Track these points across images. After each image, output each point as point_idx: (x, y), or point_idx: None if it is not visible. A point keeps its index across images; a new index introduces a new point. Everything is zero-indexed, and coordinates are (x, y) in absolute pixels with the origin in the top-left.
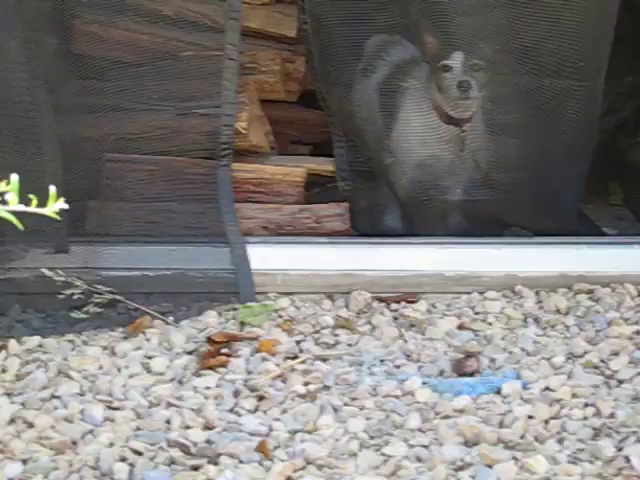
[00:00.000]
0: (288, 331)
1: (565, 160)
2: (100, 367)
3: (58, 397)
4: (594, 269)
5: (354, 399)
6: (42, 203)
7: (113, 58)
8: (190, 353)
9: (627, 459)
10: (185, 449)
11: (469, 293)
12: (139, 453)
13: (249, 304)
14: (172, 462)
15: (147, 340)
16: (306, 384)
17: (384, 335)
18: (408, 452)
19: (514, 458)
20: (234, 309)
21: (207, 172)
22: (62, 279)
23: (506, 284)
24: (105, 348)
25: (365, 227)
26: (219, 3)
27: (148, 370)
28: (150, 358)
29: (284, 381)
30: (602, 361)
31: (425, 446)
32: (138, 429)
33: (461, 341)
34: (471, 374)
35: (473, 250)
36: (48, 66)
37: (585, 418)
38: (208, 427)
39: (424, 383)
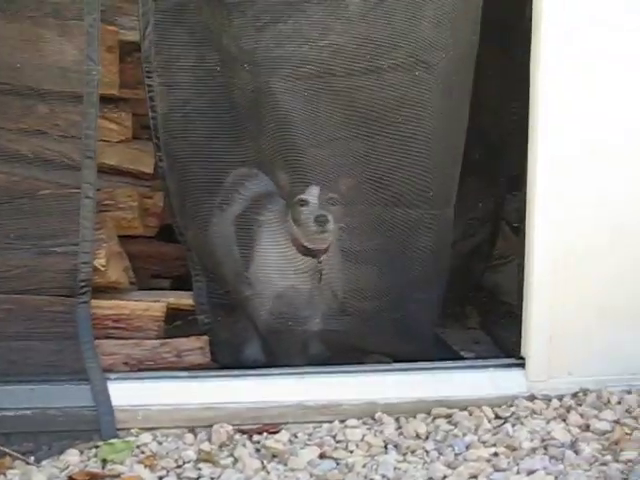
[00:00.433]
0: (150, 467)
1: (419, 287)
2: None
3: None
4: (451, 393)
5: None
6: None
7: None
8: None
9: None
10: None
11: (330, 422)
12: None
13: (111, 441)
14: None
15: None
16: None
17: (246, 467)
18: None
19: None
20: (96, 446)
21: (66, 310)
22: None
23: (366, 411)
24: None
25: (226, 359)
26: (75, 141)
27: None
28: None
29: None
30: None
31: None
32: None
33: (323, 470)
34: None
35: (332, 379)
36: None
37: None
38: None
39: None
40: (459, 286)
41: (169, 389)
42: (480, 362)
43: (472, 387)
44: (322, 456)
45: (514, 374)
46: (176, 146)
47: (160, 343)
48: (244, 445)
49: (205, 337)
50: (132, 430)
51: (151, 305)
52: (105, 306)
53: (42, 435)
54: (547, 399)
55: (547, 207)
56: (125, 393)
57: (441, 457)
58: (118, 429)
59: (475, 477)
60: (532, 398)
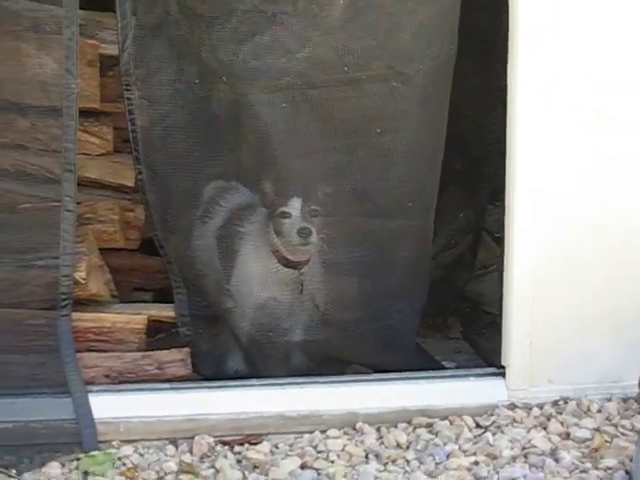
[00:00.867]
0: (132, 478)
1: (400, 297)
2: None
3: None
4: (432, 403)
5: None
6: None
7: None
8: None
9: None
10: None
11: (311, 432)
12: None
13: (92, 453)
14: None
15: None
16: None
17: (227, 478)
18: None
19: None
20: (77, 459)
21: (47, 323)
22: None
23: (347, 421)
24: None
25: (208, 371)
26: (56, 155)
27: None
28: None
29: None
30: None
31: None
32: None
33: None
34: None
35: (313, 389)
36: None
37: None
38: None
39: None
40: (441, 296)
41: (150, 401)
42: (461, 372)
43: (453, 396)
44: (303, 466)
45: (495, 383)
46: (156, 159)
47: (142, 355)
48: (225, 456)
49: (186, 349)
50: (113, 442)
51: (132, 318)
52: (86, 319)
53: (23, 448)
54: (528, 407)
55: (526, 218)
56: (106, 406)
57: (422, 466)
58: (99, 441)
59: None
60: (513, 407)
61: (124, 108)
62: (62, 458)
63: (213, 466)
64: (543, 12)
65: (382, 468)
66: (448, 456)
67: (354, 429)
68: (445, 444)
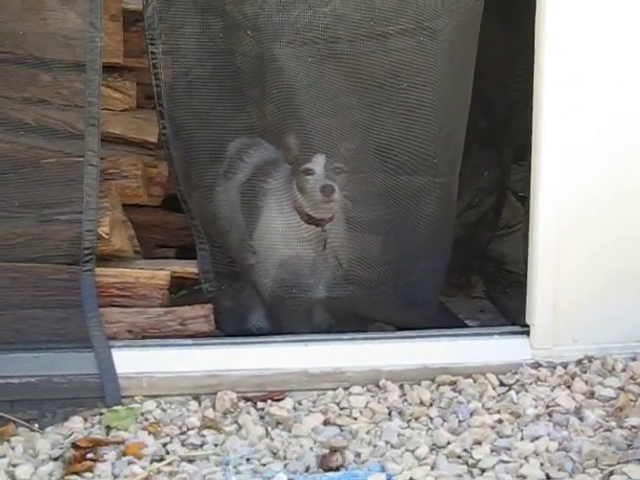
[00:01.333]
0: (154, 434)
1: (424, 255)
2: None
3: None
4: (456, 361)
5: None
6: None
7: None
8: (55, 459)
9: None
10: None
11: (334, 389)
12: None
13: (115, 408)
14: None
15: (12, 448)
16: None
17: (250, 434)
18: None
19: None
20: (100, 414)
21: (70, 278)
22: None
23: (370, 379)
24: None
25: (231, 327)
26: (79, 110)
27: (13, 478)
28: (15, 466)
29: None
30: (465, 450)
31: None
32: None
33: (327, 437)
34: (336, 469)
35: (336, 346)
36: None
37: None
38: None
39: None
40: (465, 255)
41: (173, 357)
42: (485, 330)
43: (477, 354)
44: (326, 423)
45: (519, 342)
46: (179, 114)
47: (164, 311)
48: (248, 412)
49: (209, 305)
50: (136, 397)
51: (156, 273)
52: (109, 274)
53: (46, 402)
54: (552, 366)
55: (551, 177)
56: (129, 361)
57: (445, 424)
58: (122, 396)
59: (479, 443)
60: (537, 365)
61: (148, 62)
62: (85, 413)
63: (236, 422)
64: None
65: (405, 425)
66: (471, 414)
67: (377, 386)
68: (469, 402)
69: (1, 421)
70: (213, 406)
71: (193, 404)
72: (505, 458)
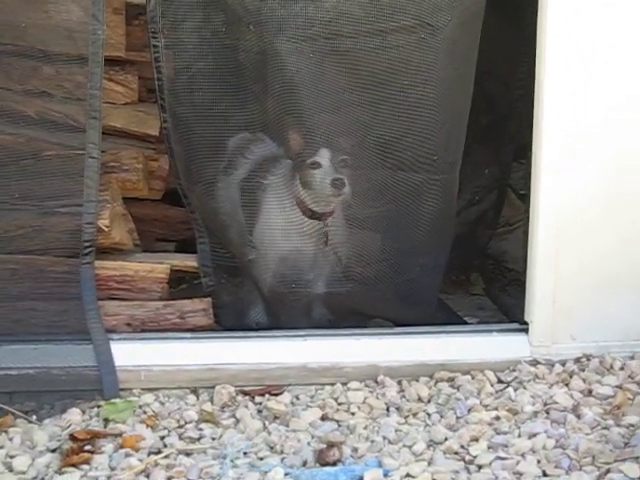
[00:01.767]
0: (152, 426)
1: (423, 252)
2: None
3: None
4: (454, 357)
5: None
6: None
7: None
8: (53, 451)
9: None
10: None
11: (332, 384)
12: None
13: (113, 401)
14: None
15: (9, 439)
16: (169, 478)
17: (248, 428)
18: None
19: None
20: (98, 406)
21: (70, 270)
22: None
23: (369, 374)
24: None
25: (230, 322)
26: (80, 103)
27: (10, 469)
28: (12, 457)
29: (147, 476)
30: (462, 447)
31: None
32: None
33: (324, 432)
34: (334, 463)
35: (335, 342)
36: None
37: None
38: None
39: (287, 474)
40: (465, 253)
41: (172, 350)
42: (483, 327)
43: (475, 351)
44: (324, 418)
45: (517, 339)
46: (181, 108)
47: (163, 304)
48: (246, 406)
49: (208, 299)
50: (134, 390)
51: (155, 267)
52: (109, 267)
53: (45, 394)
54: (550, 364)
55: (551, 175)
56: (128, 353)
57: (443, 420)
58: (120, 389)
59: (476, 440)
60: (535, 363)
61: (150, 56)
62: (83, 405)
63: (234, 416)
64: None
65: (403, 421)
66: (469, 410)
67: (375, 382)
68: (466, 398)
69: None
70: (211, 400)
71: (191, 397)
72: (502, 455)
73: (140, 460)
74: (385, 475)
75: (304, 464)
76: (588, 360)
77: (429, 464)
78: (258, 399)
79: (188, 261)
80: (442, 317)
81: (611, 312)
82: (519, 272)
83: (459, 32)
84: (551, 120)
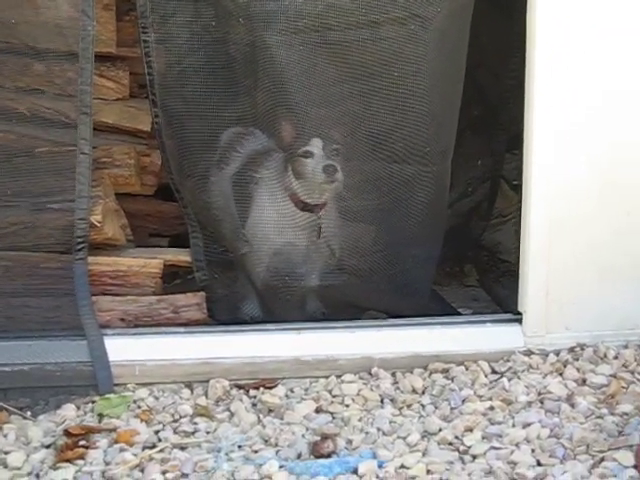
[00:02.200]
0: (147, 421)
1: (416, 243)
2: None
3: None
4: (448, 348)
5: None
6: None
7: None
8: (48, 447)
9: None
10: None
11: (327, 377)
12: None
13: (107, 396)
14: None
15: (4, 436)
16: (164, 472)
17: (243, 421)
18: None
19: None
20: (92, 401)
21: (63, 266)
22: None
23: (363, 366)
24: None
25: (224, 316)
26: (72, 99)
27: (4, 465)
28: (7, 453)
29: (142, 470)
30: (456, 437)
31: None
32: None
33: (319, 424)
34: (328, 455)
35: (329, 334)
36: None
37: None
38: None
39: (281, 466)
40: (458, 244)
41: (166, 345)
42: (477, 317)
43: (469, 342)
44: (318, 410)
45: (511, 329)
46: (172, 102)
47: (157, 299)
48: (240, 400)
49: (202, 293)
50: (129, 385)
51: (148, 261)
52: (102, 262)
53: (39, 390)
54: (544, 354)
55: (544, 165)
56: (122, 349)
57: (437, 411)
58: (115, 384)
59: (470, 430)
60: (529, 353)
61: (140, 51)
62: (77, 400)
63: (228, 409)
64: None
65: (397, 412)
66: (464, 401)
67: (369, 374)
68: (461, 389)
69: None
70: (205, 394)
71: (185, 392)
72: (496, 445)
73: (135, 455)
74: (379, 466)
75: (299, 456)
76: (582, 349)
77: (423, 455)
78: (252, 392)
79: (181, 256)
80: (436, 308)
81: (605, 301)
82: (513, 263)
83: (449, 23)
84: (542, 111)
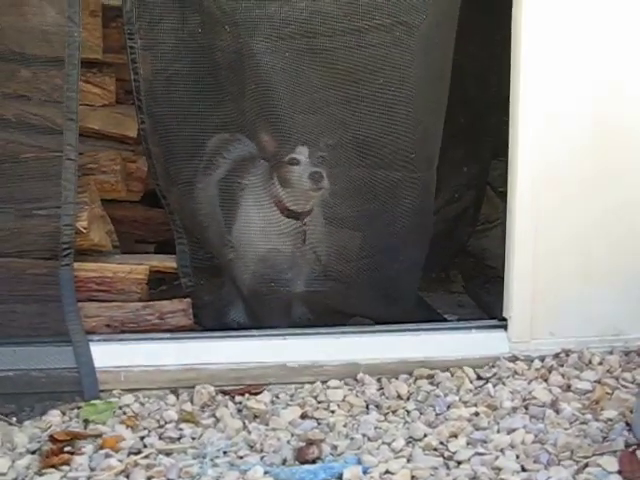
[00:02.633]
0: (132, 427)
1: (402, 249)
2: None
3: None
4: (434, 354)
5: None
6: None
7: None
8: (33, 453)
9: None
10: None
11: (312, 382)
12: None
13: (93, 402)
14: None
15: None
16: (149, 478)
17: (228, 427)
18: None
19: None
20: (78, 407)
21: (49, 272)
22: None
23: (348, 372)
24: None
25: (210, 322)
26: (58, 105)
27: None
28: None
29: (127, 476)
30: (441, 443)
31: None
32: None
33: (304, 430)
34: (313, 461)
35: (315, 340)
36: None
37: None
38: None
39: (266, 472)
40: (444, 250)
41: (151, 350)
42: (462, 324)
43: (454, 348)
44: (303, 416)
45: (496, 335)
46: (158, 109)
47: (143, 305)
48: (226, 406)
49: (188, 299)
50: (114, 391)
51: (134, 268)
52: (88, 269)
53: (24, 396)
54: (529, 360)
55: (529, 171)
56: (107, 355)
57: (422, 417)
58: (100, 390)
59: (455, 436)
60: (514, 359)
61: (127, 57)
62: (63, 406)
63: (214, 415)
64: None
65: (382, 418)
66: (449, 407)
67: (355, 380)
68: (446, 395)
69: None
70: (191, 400)
71: (171, 398)
72: (481, 450)
73: (120, 460)
74: (364, 472)
75: (284, 462)
76: (567, 355)
77: (408, 461)
78: (238, 398)
79: (167, 262)
80: (421, 314)
81: (590, 308)
82: (498, 269)
83: (435, 30)
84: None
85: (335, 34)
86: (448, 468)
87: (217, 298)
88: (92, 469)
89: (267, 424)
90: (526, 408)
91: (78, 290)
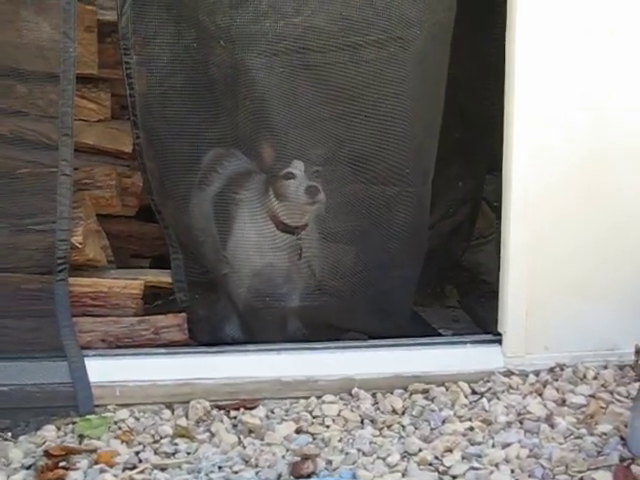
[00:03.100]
0: (127, 442)
1: (397, 264)
2: None
3: None
4: (429, 369)
5: None
6: None
7: None
8: (28, 468)
9: None
10: None
11: (307, 397)
12: None
13: (88, 417)
14: None
15: None
16: None
17: (223, 442)
18: None
19: None
20: (73, 422)
21: (44, 287)
22: None
23: (343, 387)
24: None
25: (205, 337)
26: (53, 120)
27: None
28: None
29: None
30: (436, 458)
31: None
32: None
33: (299, 444)
34: (308, 476)
35: (309, 355)
36: None
37: None
38: None
39: None
40: (439, 265)
41: (146, 366)
42: (457, 338)
43: (449, 363)
44: (299, 431)
45: (491, 350)
46: (153, 124)
47: (138, 320)
48: (221, 420)
49: (183, 314)
50: (109, 406)
51: (129, 283)
52: (83, 284)
53: (19, 411)
54: (524, 374)
55: (523, 186)
56: (103, 370)
57: (417, 431)
58: (95, 405)
59: (450, 451)
60: (509, 373)
61: (122, 72)
62: (58, 421)
63: (209, 430)
64: None
65: (377, 433)
66: (443, 422)
67: (350, 395)
68: (441, 410)
69: None
70: (186, 415)
71: (166, 413)
72: (476, 465)
73: (115, 476)
74: None
75: (279, 477)
76: (561, 370)
77: (403, 475)
78: (233, 413)
79: (162, 277)
80: (416, 329)
81: (584, 322)
82: (493, 284)
83: (429, 46)
84: (521, 134)
85: (330, 50)
86: None
87: (212, 313)
88: None
89: (262, 439)
90: (521, 423)
91: (73, 305)
